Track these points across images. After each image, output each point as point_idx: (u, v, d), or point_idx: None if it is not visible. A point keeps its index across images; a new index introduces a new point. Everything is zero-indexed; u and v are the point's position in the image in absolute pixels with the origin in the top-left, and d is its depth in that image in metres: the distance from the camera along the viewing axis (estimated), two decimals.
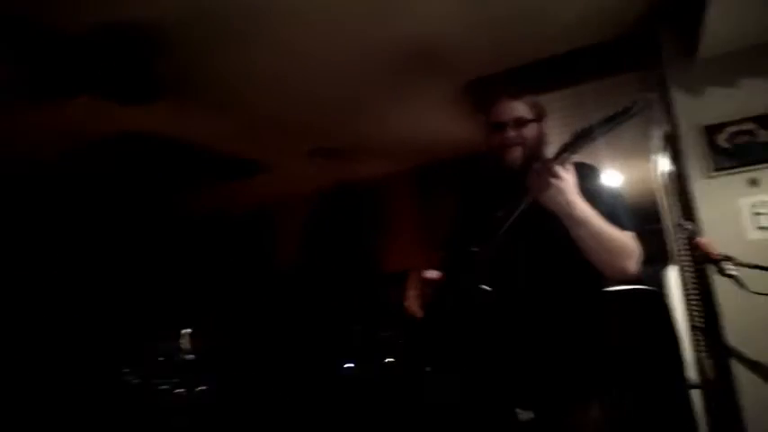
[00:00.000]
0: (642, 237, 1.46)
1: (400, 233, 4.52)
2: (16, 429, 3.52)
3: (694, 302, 3.07)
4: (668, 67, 2.53)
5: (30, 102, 2.94)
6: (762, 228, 2.29)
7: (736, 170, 2.35)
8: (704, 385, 3.20)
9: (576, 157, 1.36)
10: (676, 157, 2.61)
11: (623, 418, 1.56)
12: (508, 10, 2.53)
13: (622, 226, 1.41)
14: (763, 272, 1.87)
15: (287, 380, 3.92)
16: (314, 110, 3.47)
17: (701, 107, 2.43)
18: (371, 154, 4.28)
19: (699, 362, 3.33)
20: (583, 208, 1.35)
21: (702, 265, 2.47)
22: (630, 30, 2.75)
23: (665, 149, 3.04)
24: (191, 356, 3.52)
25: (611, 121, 1.26)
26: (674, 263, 3.86)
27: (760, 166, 2.32)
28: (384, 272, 4.42)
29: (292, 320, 4.38)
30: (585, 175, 1.46)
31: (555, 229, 1.38)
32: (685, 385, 2.57)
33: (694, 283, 2.94)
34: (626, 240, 1.41)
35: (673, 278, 4.18)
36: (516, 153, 1.54)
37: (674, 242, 3.65)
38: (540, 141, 1.58)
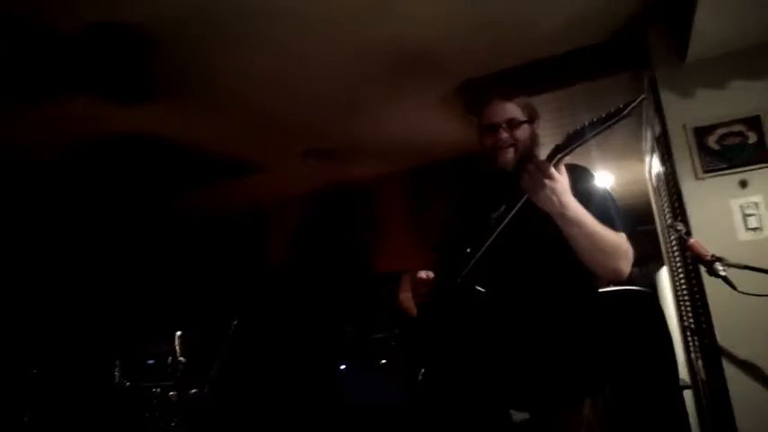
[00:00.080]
0: (634, 238, 1.47)
1: (393, 234, 4.53)
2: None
3: (686, 303, 3.09)
4: (658, 70, 2.54)
5: (26, 101, 2.92)
6: (752, 229, 2.30)
7: (726, 171, 2.36)
8: (696, 385, 3.22)
9: (569, 159, 1.37)
10: (667, 159, 2.63)
11: (616, 418, 1.57)
12: (500, 12, 2.53)
13: (615, 227, 1.42)
14: (754, 272, 1.88)
15: (280, 381, 3.91)
16: (308, 111, 3.47)
17: (690, 109, 2.45)
18: (365, 155, 4.28)
19: (690, 362, 3.35)
20: (576, 209, 1.36)
21: (693, 265, 2.49)
22: (621, 32, 2.77)
23: (655, 151, 3.06)
24: (183, 359, 3.49)
25: (604, 123, 1.26)
26: (666, 264, 3.89)
27: (749, 167, 2.33)
28: (377, 272, 4.42)
29: (285, 321, 4.37)
30: (578, 176, 1.47)
31: (548, 230, 1.38)
32: (677, 386, 2.58)
33: (685, 284, 2.96)
34: (619, 241, 1.41)
35: (664, 279, 4.21)
36: (509, 154, 1.55)
37: (666, 243, 3.67)
38: (532, 142, 1.59)
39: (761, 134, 2.33)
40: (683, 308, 3.31)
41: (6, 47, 2.42)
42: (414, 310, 1.58)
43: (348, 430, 3.44)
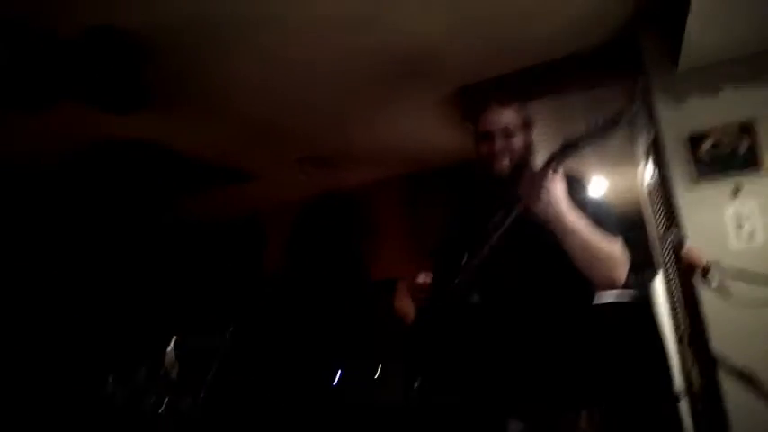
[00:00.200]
0: (629, 245, 1.47)
1: (389, 241, 4.51)
2: None
3: (681, 311, 3.09)
4: (651, 78, 2.56)
5: (23, 108, 2.91)
6: (745, 236, 2.31)
7: (720, 179, 2.38)
8: (691, 394, 3.21)
9: (564, 166, 1.37)
10: (660, 166, 2.64)
11: (612, 427, 1.56)
12: (494, 19, 2.55)
13: (611, 235, 1.42)
14: (748, 279, 1.89)
15: (275, 390, 3.88)
16: (303, 118, 3.47)
17: (684, 116, 2.47)
18: (360, 162, 4.28)
19: (685, 371, 3.35)
20: (572, 217, 1.36)
21: (688, 273, 2.49)
22: (615, 40, 2.79)
23: (649, 158, 3.08)
24: (176, 368, 3.46)
25: (600, 132, 1.27)
26: (661, 271, 3.89)
27: (743, 174, 2.35)
28: (372, 280, 4.41)
29: (280, 329, 4.34)
30: (574, 184, 1.47)
31: (545, 238, 1.38)
32: (673, 394, 2.58)
33: (680, 292, 2.96)
34: (615, 249, 1.41)
35: (659, 287, 4.21)
36: (505, 162, 1.55)
37: (660, 250, 3.68)
38: (528, 150, 1.59)
39: (753, 141, 2.35)
40: (677, 315, 3.31)
41: (5, 51, 2.41)
42: (411, 317, 1.58)
43: None
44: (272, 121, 3.46)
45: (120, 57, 2.52)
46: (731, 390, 2.21)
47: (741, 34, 2.27)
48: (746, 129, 2.36)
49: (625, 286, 1.53)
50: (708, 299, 2.26)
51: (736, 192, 2.36)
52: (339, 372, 3.75)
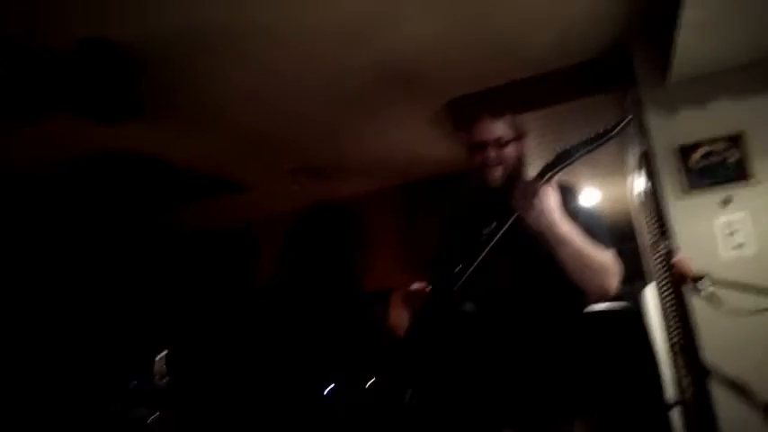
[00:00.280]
0: (621, 255, 1.48)
1: (382, 251, 4.51)
2: None
3: (672, 321, 3.11)
4: (642, 89, 2.59)
5: (16, 118, 2.90)
6: (736, 246, 2.33)
7: (710, 189, 2.40)
8: (683, 403, 3.22)
9: (556, 177, 1.38)
10: (651, 176, 2.66)
11: None
12: (486, 32, 2.57)
13: (603, 245, 1.43)
14: (739, 289, 1.90)
15: (266, 402, 3.84)
16: (295, 129, 3.48)
17: (674, 127, 2.49)
18: (353, 173, 4.29)
19: (677, 380, 3.35)
20: (566, 227, 1.37)
21: (679, 283, 2.50)
22: (606, 52, 2.82)
23: (640, 168, 3.10)
24: (166, 380, 3.42)
25: (593, 143, 1.28)
26: (652, 281, 3.91)
27: (733, 185, 2.37)
28: (366, 290, 4.39)
29: (272, 340, 4.31)
30: (567, 194, 1.48)
31: (538, 248, 1.39)
32: (664, 404, 2.58)
33: (671, 302, 2.97)
34: (607, 259, 1.42)
35: (651, 297, 4.23)
36: (497, 172, 1.56)
37: (651, 260, 3.70)
38: (520, 161, 1.60)
39: (742, 152, 2.38)
40: (669, 325, 3.33)
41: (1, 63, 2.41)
42: (403, 329, 1.57)
43: None
44: (264, 132, 3.46)
45: (111, 68, 2.52)
46: (723, 399, 2.22)
47: (731, 46, 2.30)
48: (736, 140, 2.39)
49: (616, 296, 1.54)
50: (698, 308, 2.27)
51: (726, 202, 2.38)
52: (331, 383, 3.73)
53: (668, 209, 2.45)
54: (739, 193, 2.36)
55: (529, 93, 3.01)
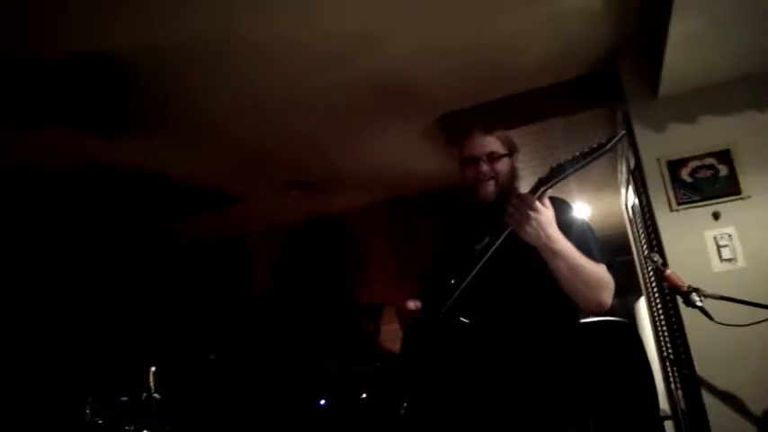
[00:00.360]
0: (612, 269, 1.49)
1: (375, 264, 4.51)
2: None
3: (664, 334, 3.12)
4: (631, 104, 2.62)
5: (7, 129, 2.90)
6: (726, 260, 2.35)
7: (700, 204, 2.42)
8: (676, 416, 3.22)
9: (549, 192, 1.39)
10: (641, 191, 2.69)
11: None
12: (478, 48, 2.60)
13: (595, 258, 1.44)
14: (730, 303, 1.91)
15: (259, 416, 3.81)
16: (289, 143, 3.49)
17: (663, 142, 2.52)
18: (346, 186, 4.30)
19: (670, 392, 3.36)
20: (561, 241, 1.37)
21: (671, 296, 2.52)
22: (595, 68, 2.86)
23: (630, 183, 3.13)
24: (158, 395, 3.38)
25: (586, 157, 1.30)
26: (644, 294, 3.93)
27: (722, 199, 2.40)
28: (359, 303, 4.39)
29: (265, 353, 4.28)
30: (560, 208, 1.49)
31: (531, 262, 1.40)
32: (658, 416, 2.58)
33: (663, 315, 2.99)
34: (601, 273, 1.43)
35: (643, 309, 4.25)
36: (490, 187, 1.57)
37: (643, 274, 3.72)
38: (512, 175, 1.62)
39: (731, 167, 2.41)
40: (661, 338, 3.34)
41: None
42: (397, 346, 1.57)
43: None
44: (258, 145, 3.47)
45: (104, 82, 2.53)
46: (715, 410, 2.22)
47: (719, 62, 2.34)
48: (725, 155, 2.42)
49: (610, 310, 1.55)
50: (690, 321, 2.29)
51: (716, 216, 2.40)
52: (324, 396, 3.70)
53: (658, 223, 2.48)
54: (728, 207, 2.39)
55: (521, 108, 3.04)
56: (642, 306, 4.25)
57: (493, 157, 1.58)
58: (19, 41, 2.27)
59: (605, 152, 1.28)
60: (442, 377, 1.52)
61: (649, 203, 2.53)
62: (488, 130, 1.62)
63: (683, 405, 2.81)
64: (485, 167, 1.57)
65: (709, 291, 1.94)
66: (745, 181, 2.38)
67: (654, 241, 2.56)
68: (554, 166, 1.35)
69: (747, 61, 2.36)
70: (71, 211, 4.15)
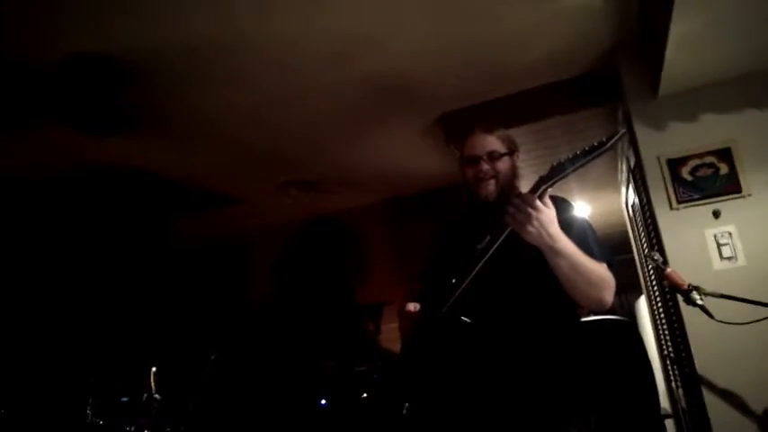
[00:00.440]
0: (613, 267, 1.49)
1: (375, 264, 4.51)
2: None
3: (665, 332, 3.12)
4: (632, 103, 2.62)
5: (4, 130, 2.89)
6: (726, 258, 2.35)
7: (700, 202, 2.42)
8: (677, 414, 3.23)
9: (550, 190, 1.39)
10: (642, 190, 2.69)
11: None
12: (478, 47, 2.60)
13: (596, 257, 1.44)
14: (730, 301, 1.92)
15: (260, 416, 3.81)
16: (288, 143, 3.49)
17: (663, 141, 2.52)
18: (346, 186, 4.30)
19: (671, 391, 3.36)
20: (562, 240, 1.37)
21: (671, 295, 2.52)
22: (596, 67, 2.86)
23: (630, 182, 3.13)
24: (158, 396, 3.38)
25: (587, 156, 1.29)
26: (644, 293, 3.94)
27: (722, 197, 2.40)
28: (359, 303, 4.39)
29: (265, 354, 4.28)
30: (561, 207, 1.49)
31: (532, 261, 1.40)
32: (659, 414, 2.58)
33: (664, 313, 2.99)
34: (602, 271, 1.43)
35: (643, 308, 4.25)
36: (490, 186, 1.57)
37: (643, 273, 3.72)
38: (512, 174, 1.61)
39: (731, 165, 2.40)
40: (662, 337, 3.34)
41: None
42: (397, 345, 1.57)
43: None
44: (257, 145, 3.47)
45: (102, 82, 2.53)
46: (716, 408, 2.22)
47: (719, 61, 2.34)
48: (726, 152, 2.42)
49: (610, 308, 1.55)
50: (690, 320, 2.29)
51: (716, 214, 2.40)
52: (324, 396, 3.70)
53: (659, 221, 2.48)
54: (728, 205, 2.39)
55: (521, 107, 3.05)
56: (643, 305, 4.25)
57: (493, 157, 1.58)
58: (18, 41, 2.27)
59: (605, 150, 1.28)
60: (443, 376, 1.52)
61: (649, 202, 2.53)
62: (489, 130, 1.62)
63: (683, 403, 2.81)
64: (485, 166, 1.57)
65: (709, 289, 1.94)
66: (745, 179, 2.38)
67: (654, 240, 2.56)
68: (554, 164, 1.34)
69: (747, 60, 2.36)
70: (71, 211, 4.16)
